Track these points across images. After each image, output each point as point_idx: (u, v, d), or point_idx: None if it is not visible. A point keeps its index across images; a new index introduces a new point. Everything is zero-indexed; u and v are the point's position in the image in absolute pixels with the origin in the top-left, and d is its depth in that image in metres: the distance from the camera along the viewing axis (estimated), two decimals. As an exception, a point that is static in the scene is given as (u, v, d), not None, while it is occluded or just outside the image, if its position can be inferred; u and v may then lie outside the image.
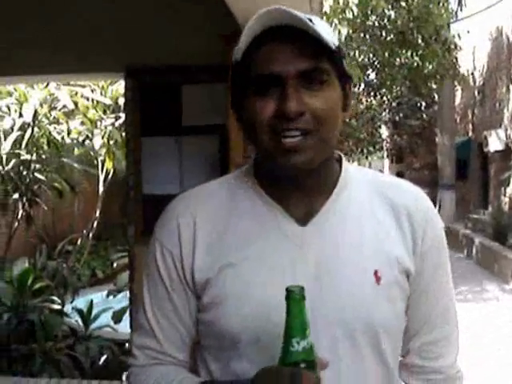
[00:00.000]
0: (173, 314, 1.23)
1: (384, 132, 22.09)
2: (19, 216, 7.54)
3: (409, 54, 14.75)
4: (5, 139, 7.03)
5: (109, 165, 7.89)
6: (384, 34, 14.70)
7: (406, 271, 1.18)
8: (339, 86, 1.16)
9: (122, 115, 7.29)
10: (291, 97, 1.08)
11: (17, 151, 7.16)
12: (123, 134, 7.16)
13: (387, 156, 24.40)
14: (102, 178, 8.11)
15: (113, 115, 7.65)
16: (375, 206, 1.22)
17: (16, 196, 7.37)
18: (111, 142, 7.68)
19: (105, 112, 7.65)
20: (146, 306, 1.25)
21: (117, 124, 7.54)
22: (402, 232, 1.20)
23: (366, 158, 20.19)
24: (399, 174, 17.94)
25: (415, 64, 14.71)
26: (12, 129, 7.06)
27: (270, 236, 1.18)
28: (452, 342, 1.27)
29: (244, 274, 1.16)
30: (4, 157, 7.13)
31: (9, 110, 7.19)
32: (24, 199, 7.39)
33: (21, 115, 7.07)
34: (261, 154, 1.18)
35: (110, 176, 8.08)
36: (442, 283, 1.25)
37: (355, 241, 1.17)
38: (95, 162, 8.13)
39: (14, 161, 7.20)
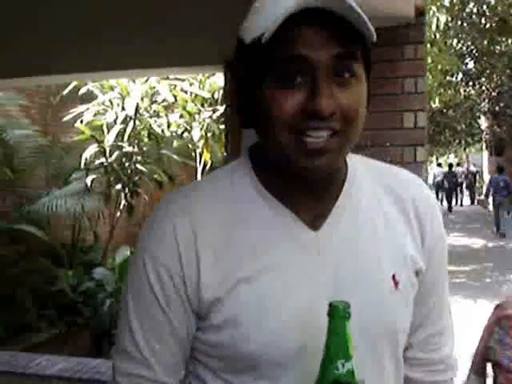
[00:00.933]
0: (170, 336, 1.06)
1: (483, 123, 21.44)
2: (121, 206, 7.81)
3: (509, 41, 14.26)
4: (108, 132, 7.29)
5: (206, 157, 8.04)
6: (483, 21, 14.27)
7: (417, 270, 1.12)
8: (366, 78, 1.01)
9: (220, 108, 7.43)
10: (325, 92, 0.93)
11: (119, 143, 7.41)
12: (221, 126, 7.33)
13: (486, 148, 23.68)
14: (199, 169, 8.26)
15: (210, 108, 7.79)
16: (381, 199, 1.12)
17: (118, 187, 7.63)
18: (209, 135, 7.83)
19: (203, 105, 7.80)
20: (135, 329, 1.06)
21: (214, 117, 7.69)
22: (409, 226, 1.12)
23: (464, 149, 19.68)
24: (499, 168, 17.27)
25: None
26: (115, 122, 7.31)
27: (282, 245, 1.03)
28: (451, 331, 1.24)
29: (261, 290, 1.01)
30: (107, 149, 7.39)
31: (111, 104, 7.44)
32: (126, 190, 7.64)
33: (123, 109, 7.32)
34: (274, 154, 1.00)
35: (207, 168, 8.23)
36: (446, 275, 1.21)
37: (370, 243, 1.08)
38: (193, 154, 8.30)
39: (116, 153, 7.46)
